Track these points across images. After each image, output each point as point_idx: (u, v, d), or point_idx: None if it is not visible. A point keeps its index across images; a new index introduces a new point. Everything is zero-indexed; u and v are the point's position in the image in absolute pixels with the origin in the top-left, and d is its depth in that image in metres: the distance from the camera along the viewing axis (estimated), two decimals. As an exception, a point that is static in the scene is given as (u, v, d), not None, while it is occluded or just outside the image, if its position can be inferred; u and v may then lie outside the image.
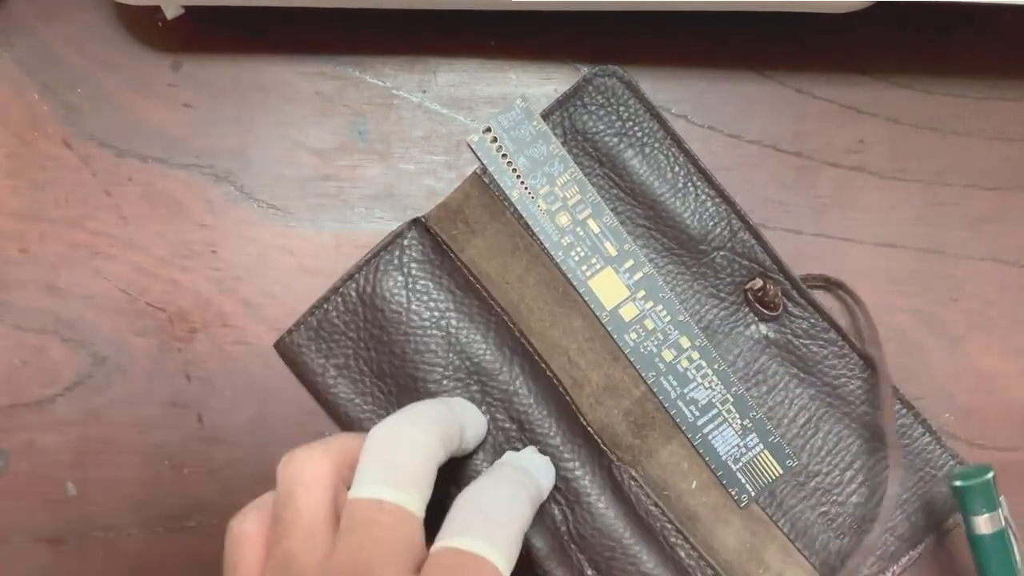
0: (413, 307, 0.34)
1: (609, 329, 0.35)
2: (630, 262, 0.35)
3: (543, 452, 0.33)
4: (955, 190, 0.37)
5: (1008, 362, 0.37)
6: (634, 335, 0.35)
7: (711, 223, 0.35)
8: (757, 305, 0.35)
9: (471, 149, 0.36)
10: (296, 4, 0.34)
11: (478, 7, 0.35)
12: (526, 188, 0.35)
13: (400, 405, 0.33)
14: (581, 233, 0.35)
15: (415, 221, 0.34)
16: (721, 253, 0.35)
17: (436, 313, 0.34)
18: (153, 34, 0.37)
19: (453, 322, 0.34)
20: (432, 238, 0.34)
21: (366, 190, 0.37)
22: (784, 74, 0.37)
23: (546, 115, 0.36)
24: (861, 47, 0.37)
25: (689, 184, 0.35)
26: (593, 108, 0.36)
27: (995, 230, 0.37)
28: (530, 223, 0.35)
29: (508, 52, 0.37)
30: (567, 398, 0.34)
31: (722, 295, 0.35)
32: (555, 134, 0.36)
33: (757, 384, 0.35)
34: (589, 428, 0.34)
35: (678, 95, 0.37)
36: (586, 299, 0.35)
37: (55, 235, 0.37)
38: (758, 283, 0.35)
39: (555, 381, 0.34)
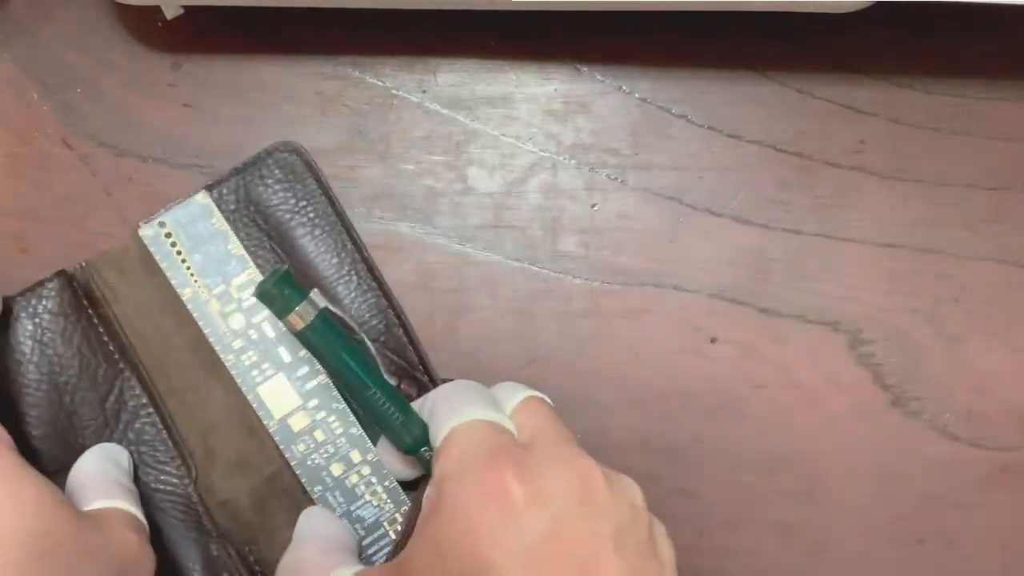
0: (35, 359, 0.33)
1: (277, 440, 0.34)
2: (305, 369, 0.34)
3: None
4: (955, 190, 0.37)
5: (1008, 362, 0.37)
6: (303, 446, 0.34)
7: (368, 314, 0.35)
8: None
9: (143, 242, 0.34)
10: (296, 4, 0.34)
11: (478, 7, 0.35)
12: (199, 286, 0.35)
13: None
14: (255, 337, 0.34)
15: (60, 273, 0.34)
16: (374, 345, 0.34)
17: (57, 369, 0.33)
18: (153, 34, 0.37)
19: (72, 381, 0.33)
20: (74, 292, 0.34)
21: (366, 190, 0.37)
22: (784, 74, 0.37)
23: (222, 181, 0.35)
24: (861, 47, 0.37)
25: (353, 272, 0.35)
26: (270, 181, 0.35)
27: (995, 230, 0.37)
28: (201, 323, 0.34)
29: (508, 52, 0.37)
30: (180, 471, 0.34)
31: None
32: (228, 200, 0.35)
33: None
34: (198, 507, 0.33)
35: (678, 95, 0.37)
36: (254, 406, 0.34)
37: (55, 235, 0.36)
38: (394, 381, 0.34)
39: (172, 454, 0.34)
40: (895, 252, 0.37)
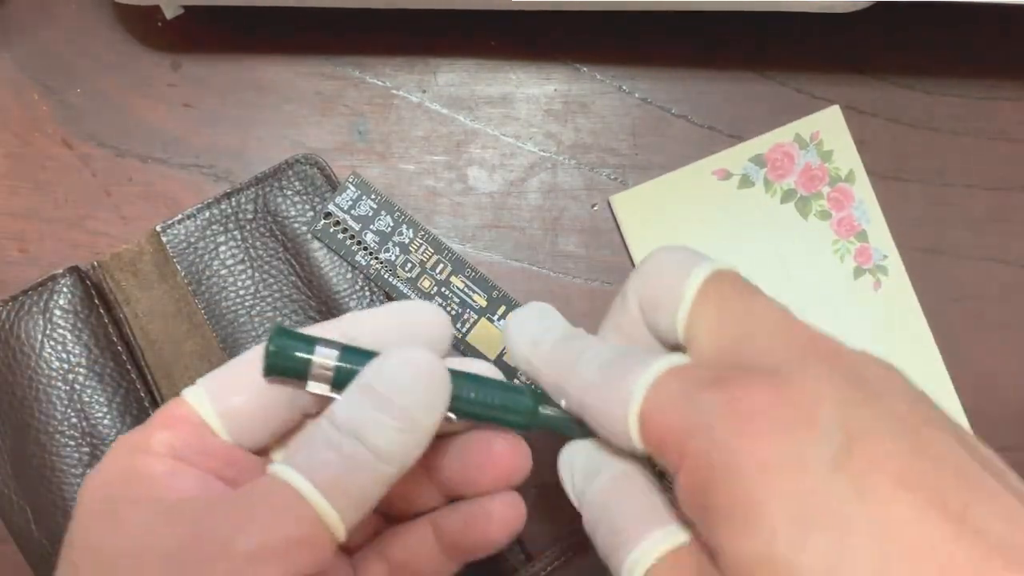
0: (45, 354, 0.33)
1: (500, 378, 0.34)
2: (502, 308, 0.35)
3: None
4: (955, 190, 0.37)
5: (1009, 363, 0.37)
6: (524, 378, 0.35)
7: None
8: None
9: (316, 238, 0.35)
10: (296, 4, 0.34)
11: (478, 7, 0.35)
12: (381, 264, 0.35)
13: (12, 448, 0.32)
14: (447, 293, 0.35)
15: (73, 269, 0.34)
16: None
17: (66, 366, 0.33)
18: (153, 34, 0.37)
19: (81, 379, 0.33)
20: (86, 290, 0.34)
21: (366, 190, 0.37)
22: (784, 74, 0.37)
23: (241, 189, 0.35)
24: (861, 47, 0.37)
25: (366, 288, 0.35)
26: (289, 192, 0.35)
27: (996, 230, 0.37)
28: (394, 296, 0.35)
29: (508, 52, 0.37)
30: None
31: None
32: (246, 209, 0.35)
33: None
34: None
35: (678, 95, 0.37)
36: (468, 356, 0.34)
37: (55, 235, 0.36)
38: None
39: None
40: (895, 252, 0.37)
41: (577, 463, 0.24)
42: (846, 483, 0.18)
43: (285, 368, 0.24)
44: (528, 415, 0.25)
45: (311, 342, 0.24)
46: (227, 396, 0.24)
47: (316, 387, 0.24)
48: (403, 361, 0.23)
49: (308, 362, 0.23)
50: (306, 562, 0.21)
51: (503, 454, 0.26)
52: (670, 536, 0.22)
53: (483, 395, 0.25)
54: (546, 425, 0.25)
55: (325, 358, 0.24)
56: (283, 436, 0.26)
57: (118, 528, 0.22)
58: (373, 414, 0.22)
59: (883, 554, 0.17)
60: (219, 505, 0.22)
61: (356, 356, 0.24)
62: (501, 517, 0.26)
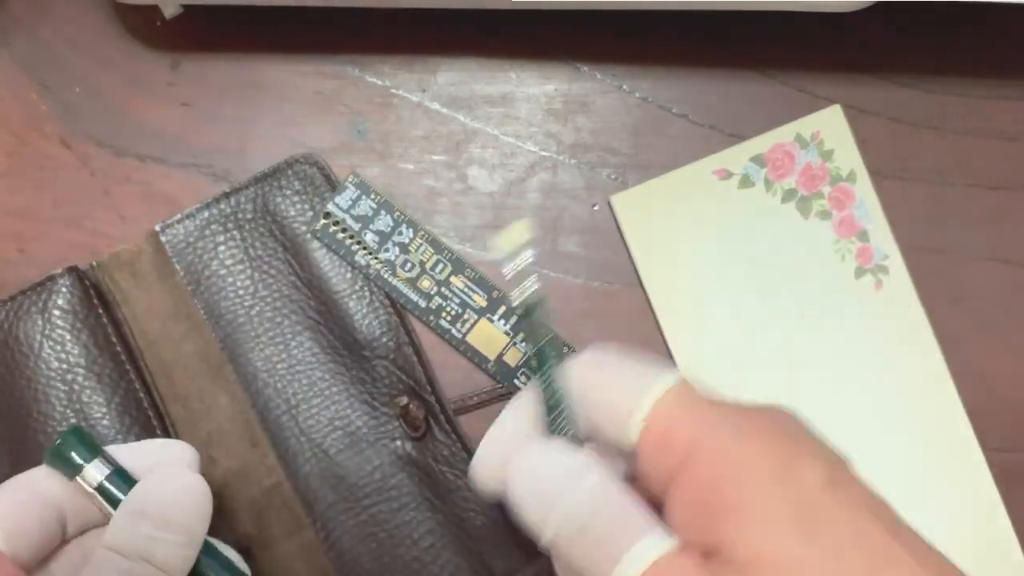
0: (44, 354, 0.33)
1: (498, 378, 0.35)
2: (501, 308, 0.35)
3: None
4: (957, 190, 0.37)
5: (1010, 363, 0.36)
6: (524, 379, 0.35)
7: (379, 331, 0.35)
8: (403, 421, 0.34)
9: (316, 238, 0.35)
10: (295, 3, 0.34)
11: (478, 7, 0.34)
12: (380, 264, 0.35)
13: (11, 449, 0.33)
14: (447, 292, 0.35)
15: (71, 269, 0.34)
16: (383, 363, 0.35)
17: (65, 366, 0.33)
18: (152, 33, 0.37)
19: (80, 379, 0.33)
20: (85, 290, 0.34)
21: (365, 190, 0.37)
22: (785, 73, 0.37)
23: (240, 189, 0.35)
24: (862, 46, 0.37)
25: (366, 288, 0.35)
26: (289, 192, 0.35)
27: (998, 230, 0.37)
28: (393, 296, 0.35)
29: (508, 51, 0.37)
30: None
31: (375, 404, 0.35)
32: (245, 209, 0.35)
33: (388, 500, 0.34)
34: None
35: (678, 95, 0.37)
36: (468, 356, 0.35)
37: (53, 235, 0.36)
38: (403, 400, 0.34)
39: None
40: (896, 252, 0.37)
41: (543, 469, 0.25)
42: (833, 502, 0.22)
43: (64, 459, 0.28)
44: None
45: (95, 450, 0.28)
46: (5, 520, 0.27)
47: (82, 484, 0.27)
48: (175, 484, 0.27)
49: (80, 467, 0.28)
50: None
51: None
52: (663, 540, 0.23)
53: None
54: None
55: (98, 468, 0.28)
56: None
57: None
58: (154, 534, 0.25)
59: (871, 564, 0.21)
60: None
61: (121, 476, 0.28)
62: None
